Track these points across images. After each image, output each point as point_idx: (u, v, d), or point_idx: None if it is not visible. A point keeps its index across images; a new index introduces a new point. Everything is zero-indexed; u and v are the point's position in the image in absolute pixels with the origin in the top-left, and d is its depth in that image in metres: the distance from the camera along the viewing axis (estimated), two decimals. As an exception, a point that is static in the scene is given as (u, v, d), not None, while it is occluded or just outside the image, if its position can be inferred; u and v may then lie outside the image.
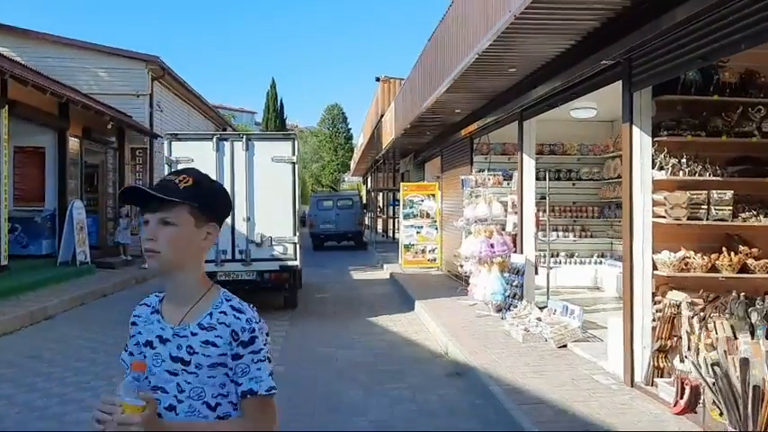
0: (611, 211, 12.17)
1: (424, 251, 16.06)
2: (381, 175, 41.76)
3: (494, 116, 10.56)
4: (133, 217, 16.98)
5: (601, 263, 12.20)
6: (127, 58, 19.68)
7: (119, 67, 19.63)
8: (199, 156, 10.12)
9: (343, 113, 75.98)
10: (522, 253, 9.21)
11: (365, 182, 57.79)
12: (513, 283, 9.06)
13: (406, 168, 21.67)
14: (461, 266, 10.64)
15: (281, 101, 77.67)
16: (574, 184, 12.36)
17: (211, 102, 27.78)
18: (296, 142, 10.67)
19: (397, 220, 30.80)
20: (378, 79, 22.78)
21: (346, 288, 14.35)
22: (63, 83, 16.11)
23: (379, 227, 38.78)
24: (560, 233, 11.91)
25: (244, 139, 10.40)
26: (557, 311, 8.35)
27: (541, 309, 8.56)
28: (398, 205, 35.18)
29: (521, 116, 9.26)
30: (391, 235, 30.37)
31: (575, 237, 12.21)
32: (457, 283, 13.24)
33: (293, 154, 10.41)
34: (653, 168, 5.78)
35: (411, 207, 16.31)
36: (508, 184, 10.68)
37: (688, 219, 5.77)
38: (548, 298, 9.22)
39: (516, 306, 8.79)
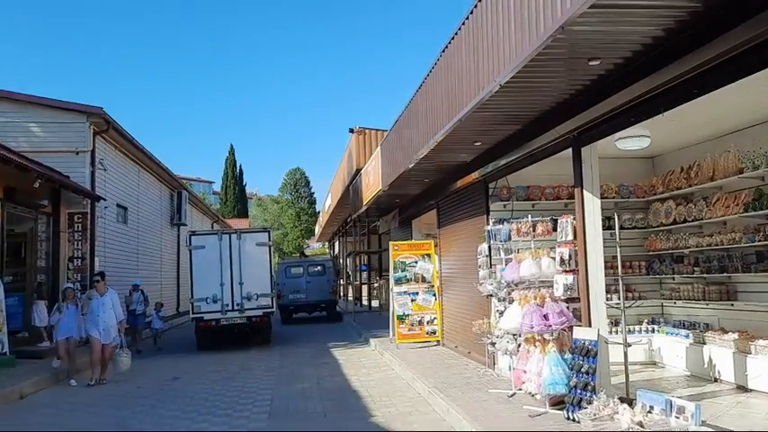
0: (663, 266, 9.87)
1: (421, 322, 13.46)
2: (351, 239, 39.40)
3: (522, 151, 8.31)
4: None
5: (653, 331, 9.81)
6: (64, 110, 17.05)
7: (55, 120, 16.98)
8: (209, 244, 15.74)
9: (305, 177, 73.82)
10: (590, 326, 6.74)
11: (331, 247, 55.17)
12: (582, 369, 6.55)
13: (388, 228, 19.25)
14: (492, 344, 8.10)
15: (240, 167, 75.40)
16: (612, 235, 10.06)
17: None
18: (271, 232, 16.94)
19: (370, 286, 28.27)
20: (351, 131, 20.62)
21: (331, 372, 11.62)
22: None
23: (350, 294, 36.09)
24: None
25: (238, 233, 16.22)
26: (654, 409, 5.87)
27: (629, 403, 6.07)
28: (367, 270, 33.24)
29: (577, 141, 6.98)
30: (366, 303, 27.65)
31: (617, 299, 9.82)
32: (471, 361, 10.64)
33: (269, 240, 16.23)
34: None
35: (403, 270, 13.79)
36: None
37: None
38: (627, 386, 6.73)
39: (591, 401, 6.25)
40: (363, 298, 29.03)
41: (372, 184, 14.93)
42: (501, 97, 6.59)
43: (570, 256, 7.23)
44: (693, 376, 8.60)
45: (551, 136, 7.40)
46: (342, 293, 33.71)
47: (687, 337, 8.90)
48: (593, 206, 6.91)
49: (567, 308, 7.12)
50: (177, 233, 29.02)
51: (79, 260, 16.77)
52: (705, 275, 9.05)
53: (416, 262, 13.84)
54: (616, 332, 9.79)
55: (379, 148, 13.90)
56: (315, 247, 68.91)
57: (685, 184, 9.28)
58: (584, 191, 6.95)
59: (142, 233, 22.72)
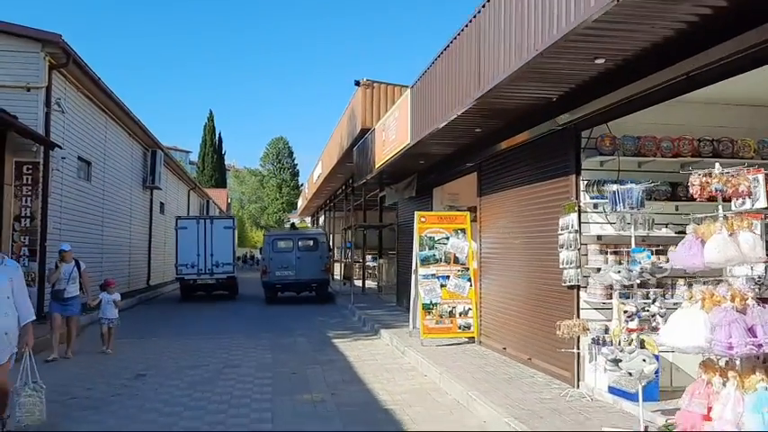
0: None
1: (452, 314, 10.76)
2: (342, 213, 36.51)
3: (638, 88, 5.62)
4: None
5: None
6: (12, 35, 13.88)
7: (0, 47, 13.87)
8: (190, 226, 21.80)
9: (288, 147, 70.50)
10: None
11: (315, 222, 52.23)
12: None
13: (399, 198, 16.45)
14: (615, 361, 5.39)
15: (220, 135, 71.97)
16: None
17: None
18: (234, 220, 23.55)
19: (364, 264, 25.51)
20: (357, 83, 17.69)
21: (344, 376, 8.90)
22: None
23: (338, 273, 33.28)
24: None
25: (211, 219, 22.62)
26: None
27: None
28: (351, 248, 30.37)
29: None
30: (360, 284, 24.95)
31: None
32: (537, 372, 7.99)
33: (233, 225, 22.55)
34: None
35: (431, 248, 11.06)
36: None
37: None
38: None
39: None
40: (354, 277, 26.31)
41: (394, 140, 12.12)
42: None
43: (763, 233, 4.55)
44: None
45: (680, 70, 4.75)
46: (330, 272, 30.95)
47: None
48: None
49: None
50: (150, 197, 25.92)
51: (28, 220, 13.77)
52: None
53: (447, 238, 11.12)
54: None
55: (407, 92, 11.05)
56: (295, 221, 65.88)
57: None
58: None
59: (109, 194, 19.65)
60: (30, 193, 13.84)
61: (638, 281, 5.53)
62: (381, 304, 17.98)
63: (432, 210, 13.36)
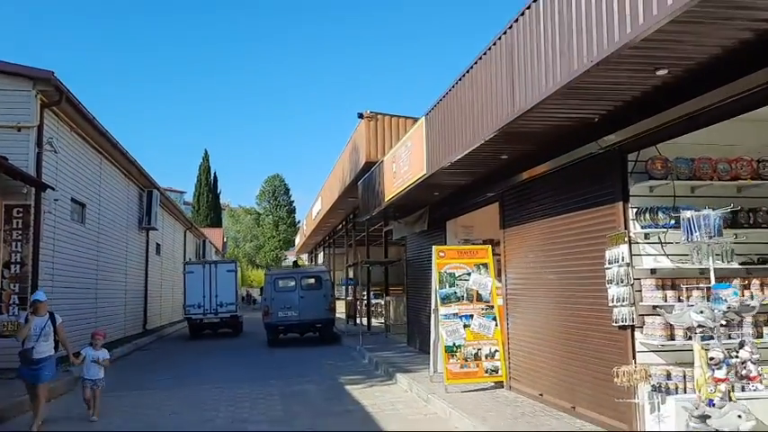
0: None
1: (477, 356, 9.95)
2: (342, 250, 35.71)
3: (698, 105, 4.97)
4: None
5: None
6: (2, 73, 13.31)
7: (-11, 86, 13.26)
8: (196, 270, 23.81)
9: (284, 185, 69.83)
10: None
11: (312, 259, 51.34)
12: None
13: (408, 232, 15.72)
14: (703, 418, 4.61)
15: (215, 174, 71.45)
16: None
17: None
18: (236, 263, 25.34)
19: (369, 302, 24.65)
20: (360, 116, 17.12)
21: None
22: None
23: (338, 311, 32.26)
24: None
25: (215, 264, 24.36)
26: None
27: None
28: (353, 284, 29.42)
29: None
30: (361, 322, 24.02)
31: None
32: (586, 424, 7.17)
33: (235, 268, 24.49)
34: None
35: (452, 285, 10.30)
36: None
37: None
38: None
39: None
40: (356, 315, 25.39)
41: (406, 171, 11.44)
42: None
43: None
44: None
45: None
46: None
47: None
48: None
49: None
50: (146, 238, 25.10)
51: (18, 266, 12.95)
52: None
53: (469, 274, 10.38)
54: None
55: (422, 121, 10.40)
56: (291, 259, 64.78)
57: None
58: None
59: (104, 236, 18.85)
60: (20, 237, 13.04)
61: (723, 321, 4.81)
62: (391, 345, 17.12)
63: (445, 244, 12.65)
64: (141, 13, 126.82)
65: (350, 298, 27.32)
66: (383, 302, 24.79)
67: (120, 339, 20.09)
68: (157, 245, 27.93)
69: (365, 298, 27.64)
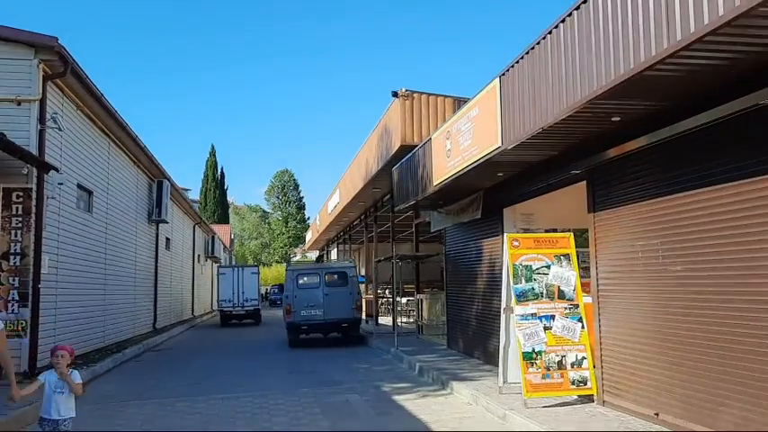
0: None
1: (561, 365, 8.34)
2: (357, 245, 34.17)
3: None
4: None
5: None
6: (0, 39, 11.77)
7: (-14, 53, 11.72)
8: (227, 272, 30.32)
9: (294, 180, 68.15)
10: None
11: (322, 257, 49.78)
12: None
13: (451, 222, 14.10)
14: None
15: (222, 169, 69.89)
16: None
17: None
18: (258, 267, 33.41)
19: (393, 300, 23.06)
20: (395, 94, 15.51)
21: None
22: None
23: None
24: None
25: (242, 267, 31.84)
26: None
27: None
28: (364, 282, 27.83)
29: None
30: (385, 322, 22.44)
31: None
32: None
33: (257, 271, 31.38)
34: None
35: (529, 279, 8.69)
36: None
37: None
38: None
39: None
40: (374, 313, 23.84)
41: (467, 147, 9.81)
42: None
43: None
44: None
45: None
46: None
47: None
48: None
49: None
50: (156, 231, 23.55)
51: (18, 257, 11.42)
52: None
53: (548, 266, 8.77)
54: None
55: (495, 82, 8.73)
56: (296, 257, 63.20)
57: None
58: None
59: (112, 228, 17.31)
60: (20, 225, 11.52)
61: None
62: (429, 347, 15.52)
63: (502, 234, 11.01)
64: (144, 4, 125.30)
65: (369, 296, 25.76)
66: (406, 301, 23.27)
67: (129, 339, 18.58)
68: (167, 239, 26.41)
69: (386, 296, 26.13)
